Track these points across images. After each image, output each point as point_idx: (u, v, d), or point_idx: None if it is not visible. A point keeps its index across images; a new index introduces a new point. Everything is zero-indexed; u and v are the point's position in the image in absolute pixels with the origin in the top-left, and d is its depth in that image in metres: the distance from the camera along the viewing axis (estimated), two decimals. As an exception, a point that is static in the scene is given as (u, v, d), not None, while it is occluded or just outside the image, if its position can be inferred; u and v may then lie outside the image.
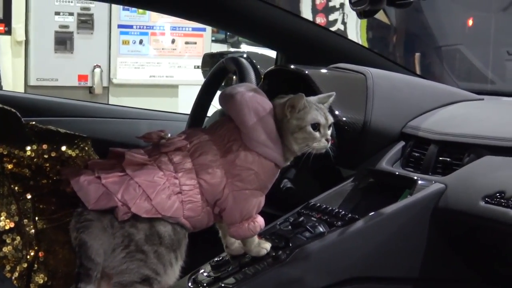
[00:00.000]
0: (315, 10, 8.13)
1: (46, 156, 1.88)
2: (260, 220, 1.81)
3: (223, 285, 1.87)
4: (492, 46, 6.51)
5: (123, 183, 1.69)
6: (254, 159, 1.77)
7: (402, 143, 2.23)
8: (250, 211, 1.79)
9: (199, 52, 7.48)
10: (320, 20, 8.25)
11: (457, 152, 2.03)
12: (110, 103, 6.97)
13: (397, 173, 2.12)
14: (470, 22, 6.79)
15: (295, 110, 1.78)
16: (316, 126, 1.76)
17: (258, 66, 2.40)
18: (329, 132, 1.80)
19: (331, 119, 1.81)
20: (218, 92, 2.56)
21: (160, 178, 1.72)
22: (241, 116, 1.78)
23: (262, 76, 2.39)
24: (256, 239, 1.86)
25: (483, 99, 2.41)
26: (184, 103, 6.80)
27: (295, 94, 2.28)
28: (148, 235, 1.69)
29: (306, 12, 8.35)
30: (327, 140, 1.79)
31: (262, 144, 1.77)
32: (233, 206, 1.78)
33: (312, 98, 1.85)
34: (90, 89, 7.28)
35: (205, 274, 1.96)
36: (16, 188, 1.81)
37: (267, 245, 1.88)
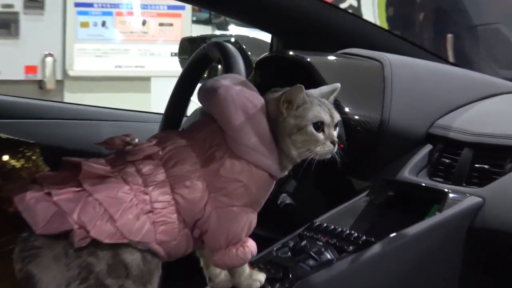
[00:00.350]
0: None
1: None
2: (252, 245, 1.79)
3: None
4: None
5: (80, 200, 1.67)
6: (243, 168, 1.75)
7: (428, 147, 2.21)
8: (238, 234, 1.77)
9: (176, 36, 7.46)
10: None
11: (497, 157, 2.02)
12: (65, 100, 6.96)
13: (423, 184, 2.10)
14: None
15: (293, 106, 1.76)
16: (319, 126, 1.75)
17: (249, 53, 2.39)
18: (335, 132, 1.79)
19: (337, 117, 1.80)
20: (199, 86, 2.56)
21: (126, 193, 1.70)
22: (226, 115, 1.77)
23: (254, 66, 2.39)
24: (247, 269, 1.84)
25: None
26: (158, 100, 6.80)
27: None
28: (112, 266, 1.67)
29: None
30: (333, 142, 1.77)
31: (253, 149, 1.75)
32: (217, 228, 1.76)
33: (313, 91, 1.84)
34: (40, 84, 7.29)
35: None
36: None
37: (261, 277, 1.86)
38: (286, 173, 1.85)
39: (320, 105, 1.78)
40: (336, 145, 1.78)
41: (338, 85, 1.87)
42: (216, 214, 1.75)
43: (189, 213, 1.74)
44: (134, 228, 1.68)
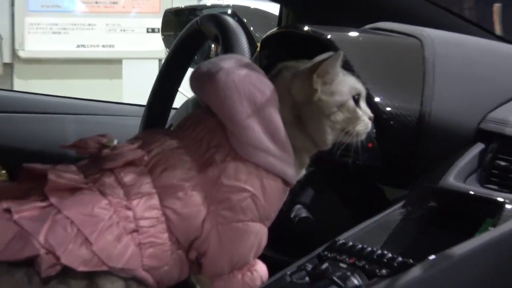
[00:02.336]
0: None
1: None
2: (261, 269, 1.83)
3: None
4: None
5: (47, 219, 1.67)
6: (250, 174, 1.75)
7: (480, 146, 2.23)
8: (245, 256, 1.79)
9: (153, 7, 7.49)
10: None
11: None
12: (15, 89, 6.99)
13: (472, 192, 2.10)
14: None
15: (327, 79, 1.78)
16: (356, 99, 1.79)
17: (251, 28, 2.41)
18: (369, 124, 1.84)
19: (364, 88, 1.85)
20: (190, 71, 2.55)
21: (104, 209, 1.71)
22: (229, 107, 1.77)
23: (259, 44, 2.40)
24: None
25: None
26: (132, 88, 6.82)
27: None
28: None
29: None
30: (369, 117, 1.83)
31: (262, 149, 1.75)
32: (218, 249, 1.77)
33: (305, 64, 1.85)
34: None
35: None
36: None
37: None
38: (303, 173, 1.86)
39: (348, 74, 1.83)
40: (372, 120, 1.84)
41: (341, 52, 1.84)
42: (217, 232, 1.76)
43: (183, 231, 1.75)
44: (115, 252, 1.69)
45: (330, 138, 1.80)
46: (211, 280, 1.82)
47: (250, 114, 1.75)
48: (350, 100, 1.77)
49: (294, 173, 1.81)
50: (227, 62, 1.85)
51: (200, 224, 1.75)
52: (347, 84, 1.78)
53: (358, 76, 2.19)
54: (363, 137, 1.82)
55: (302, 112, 1.78)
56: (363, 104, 1.81)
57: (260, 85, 1.80)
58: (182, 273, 1.79)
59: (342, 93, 1.77)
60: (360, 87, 1.81)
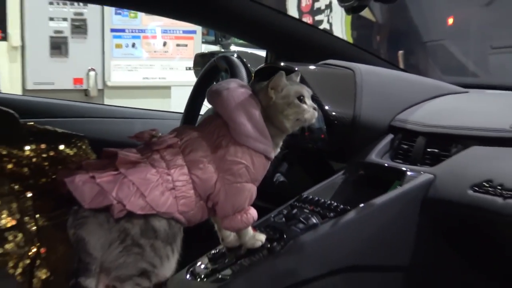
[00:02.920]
0: (300, 12, 8.15)
1: (44, 155, 1.88)
2: (253, 212, 1.80)
3: (220, 276, 1.87)
4: (476, 40, 6.56)
5: (117, 181, 1.67)
6: (243, 153, 1.75)
7: (390, 136, 2.22)
8: (242, 204, 1.78)
9: (190, 54, 7.44)
10: (307, 20, 8.20)
11: (444, 143, 2.03)
12: (105, 102, 7.00)
13: (386, 165, 2.11)
14: (454, 18, 6.86)
15: (278, 89, 1.77)
16: (301, 99, 1.77)
17: (248, 65, 2.38)
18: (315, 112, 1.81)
19: (310, 90, 1.83)
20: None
21: (153, 175, 1.70)
22: (229, 112, 1.77)
23: (253, 74, 2.38)
24: (250, 231, 1.84)
25: (468, 92, 2.41)
26: (177, 104, 6.81)
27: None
28: (144, 230, 1.68)
29: (292, 14, 8.30)
30: (314, 108, 1.80)
31: (251, 137, 1.75)
32: (225, 200, 1.76)
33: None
34: (86, 92, 7.28)
35: (202, 266, 1.95)
36: (16, 187, 1.80)
37: (262, 237, 1.86)
38: (278, 150, 1.84)
39: (296, 84, 1.81)
40: (317, 111, 1.81)
41: (299, 71, 1.90)
42: (224, 189, 1.75)
43: (203, 189, 1.74)
44: (160, 202, 1.69)
45: (288, 126, 1.79)
46: (221, 219, 1.80)
47: (243, 115, 1.76)
48: (295, 100, 1.77)
49: (272, 151, 1.80)
50: (230, 84, 1.85)
51: (213, 185, 1.74)
52: (292, 90, 1.78)
53: (314, 93, 2.21)
54: (312, 121, 1.81)
55: (268, 112, 1.79)
56: (308, 101, 1.79)
57: (248, 98, 1.79)
58: (203, 215, 1.79)
59: (289, 96, 1.77)
60: (302, 91, 1.80)
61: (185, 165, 1.73)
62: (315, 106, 1.80)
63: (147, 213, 1.67)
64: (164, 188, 1.70)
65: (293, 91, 1.78)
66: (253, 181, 1.79)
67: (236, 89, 1.81)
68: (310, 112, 1.78)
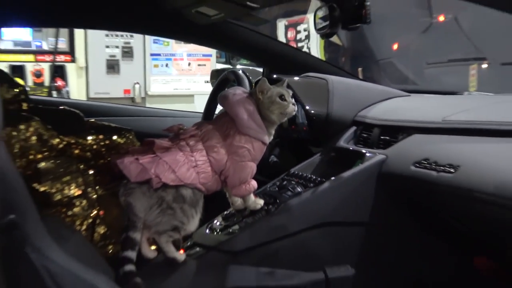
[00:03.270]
0: (287, 40, 8.15)
1: (102, 143, 1.89)
2: (254, 183, 1.80)
3: (230, 230, 1.88)
4: (415, 58, 6.60)
5: (155, 161, 1.68)
6: (246, 140, 1.75)
7: (354, 128, 2.21)
8: (245, 177, 1.77)
9: (207, 71, 7.48)
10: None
11: (393, 132, 2.01)
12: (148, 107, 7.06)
13: (351, 148, 2.10)
14: (398, 42, 6.91)
15: (264, 92, 1.76)
16: (282, 97, 1.76)
17: (250, 77, 2.37)
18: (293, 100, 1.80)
19: (290, 91, 1.81)
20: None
21: (181, 157, 1.70)
22: (234, 110, 1.77)
23: (253, 84, 2.37)
24: (252, 197, 1.84)
25: (410, 95, 2.40)
26: (198, 107, 6.85)
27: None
28: (175, 197, 1.68)
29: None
30: (293, 104, 1.78)
31: (251, 128, 1.75)
32: (233, 174, 1.76)
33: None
34: (132, 99, 7.30)
35: (217, 223, 1.95)
36: (81, 166, 1.81)
37: (261, 201, 1.86)
38: (272, 138, 1.83)
39: (278, 86, 1.79)
40: (296, 106, 1.81)
41: (286, 79, 1.87)
42: (232, 167, 1.75)
43: (217, 167, 1.73)
44: (186, 176, 1.68)
45: (274, 118, 1.79)
46: (231, 189, 1.81)
47: (244, 113, 1.76)
48: (277, 98, 1.77)
49: (267, 138, 1.80)
50: (235, 90, 1.85)
51: (225, 163, 1.74)
52: (274, 92, 1.78)
53: (297, 96, 2.21)
54: (292, 114, 1.81)
55: (259, 109, 1.78)
56: (288, 98, 1.78)
57: (247, 99, 1.79)
58: (218, 186, 1.78)
59: (272, 96, 1.77)
60: (283, 91, 1.79)
61: (204, 149, 1.73)
62: (294, 102, 1.79)
63: (177, 184, 1.67)
64: (189, 166, 1.69)
65: (275, 92, 1.76)
66: (253, 160, 1.78)
67: (238, 93, 1.81)
68: (290, 107, 1.77)
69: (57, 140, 1.78)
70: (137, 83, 7.42)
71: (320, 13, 2.22)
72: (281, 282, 1.81)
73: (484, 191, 1.51)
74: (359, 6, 2.06)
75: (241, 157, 1.76)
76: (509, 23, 1.46)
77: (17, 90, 1.79)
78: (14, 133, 1.68)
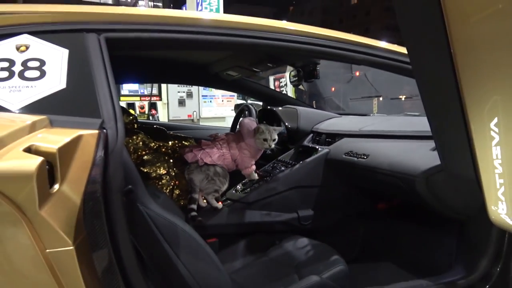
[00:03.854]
0: (275, 88, 8.08)
1: (177, 145, 1.86)
2: (253, 167, 1.75)
3: (246, 191, 1.83)
4: (344, 96, 6.57)
5: (201, 151, 1.65)
6: (248, 146, 1.69)
7: (311, 134, 2.15)
8: (247, 165, 1.72)
9: (232, 104, 7.41)
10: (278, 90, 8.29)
11: (333, 136, 1.99)
12: (200, 124, 6.95)
13: (310, 145, 2.04)
14: (335, 87, 6.88)
15: (259, 132, 1.67)
16: (265, 139, 1.66)
17: (255, 108, 2.33)
18: (273, 142, 1.69)
19: (274, 136, 1.69)
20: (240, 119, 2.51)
21: (214, 149, 1.66)
22: (244, 131, 1.71)
23: (257, 111, 2.33)
24: (254, 174, 1.78)
25: (341, 116, 2.32)
26: (227, 124, 6.81)
27: (271, 118, 2.25)
28: (214, 172, 1.65)
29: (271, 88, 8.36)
30: (269, 145, 1.68)
31: (251, 143, 1.69)
32: (241, 162, 1.71)
33: (269, 126, 1.71)
34: (192, 120, 7.22)
35: (239, 187, 1.90)
36: (166, 157, 1.79)
37: (256, 176, 1.81)
38: (267, 148, 1.71)
39: (268, 132, 1.68)
40: (272, 144, 1.69)
41: (283, 128, 1.80)
42: (241, 157, 1.69)
43: (233, 157, 1.68)
44: (217, 160, 1.64)
45: (259, 145, 1.68)
46: (241, 170, 1.75)
47: (248, 133, 1.70)
48: (262, 138, 1.67)
49: (261, 147, 1.71)
50: (246, 120, 1.77)
51: (237, 155, 1.69)
52: (263, 135, 1.67)
53: (281, 118, 2.16)
54: (270, 147, 1.69)
55: (255, 137, 1.69)
56: (268, 141, 1.67)
57: (252, 126, 1.72)
58: (233, 167, 1.72)
59: (261, 136, 1.67)
60: (266, 136, 1.67)
61: (228, 147, 1.68)
62: (271, 144, 1.68)
63: (213, 164, 1.64)
64: (219, 154, 1.66)
65: (263, 136, 1.66)
66: (252, 157, 1.72)
67: (249, 122, 1.74)
68: (266, 145, 1.67)
69: (153, 143, 1.76)
70: (195, 111, 7.28)
71: (292, 73, 2.20)
72: (274, 218, 1.80)
73: (382, 168, 1.51)
74: (313, 69, 2.04)
75: (245, 153, 1.71)
76: (394, 76, 1.45)
77: (131, 117, 1.79)
78: (130, 140, 1.68)
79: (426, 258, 1.59)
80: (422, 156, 1.37)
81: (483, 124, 0.85)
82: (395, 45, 1.41)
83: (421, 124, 1.71)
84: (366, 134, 1.82)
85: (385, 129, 1.77)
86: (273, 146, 1.68)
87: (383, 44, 1.37)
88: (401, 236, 1.77)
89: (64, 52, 0.94)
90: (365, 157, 1.62)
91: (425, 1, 0.80)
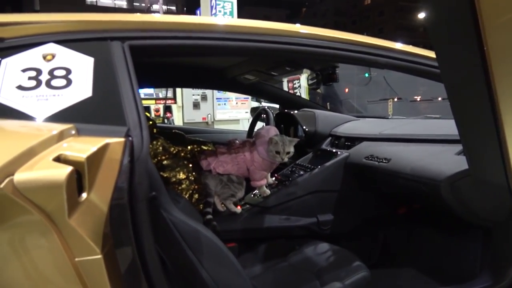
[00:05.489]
0: (288, 90, 8.06)
1: (196, 150, 1.86)
2: (262, 181, 1.71)
3: (257, 196, 1.81)
4: (361, 98, 6.52)
5: (214, 160, 1.64)
6: (260, 158, 1.65)
7: (330, 138, 2.12)
8: (255, 177, 1.68)
9: (247, 107, 7.40)
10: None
11: (352, 140, 1.96)
12: (214, 127, 6.95)
13: (328, 149, 2.01)
14: (350, 89, 6.85)
15: (272, 144, 1.62)
16: (278, 151, 1.61)
17: (272, 111, 2.32)
18: (285, 156, 1.62)
19: (288, 149, 1.63)
20: (258, 124, 2.48)
21: (228, 158, 1.65)
22: (257, 142, 1.67)
23: (274, 115, 2.32)
24: (264, 188, 1.75)
25: (359, 119, 2.29)
26: (241, 127, 6.80)
27: (288, 122, 2.23)
28: (228, 179, 1.65)
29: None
30: (281, 158, 1.62)
31: (263, 155, 1.65)
32: (251, 174, 1.67)
33: (285, 138, 1.65)
34: (207, 123, 7.24)
35: (251, 196, 1.85)
36: (185, 162, 1.78)
37: (268, 191, 1.77)
38: (279, 161, 1.66)
39: (281, 144, 1.62)
40: (285, 158, 1.63)
41: (298, 139, 1.68)
42: (252, 170, 1.67)
43: (247, 165, 1.66)
44: (230, 169, 1.63)
45: (271, 158, 1.62)
46: (251, 181, 1.71)
47: (261, 147, 1.65)
48: (274, 151, 1.61)
49: (274, 160, 1.66)
50: (263, 131, 1.72)
51: (251, 164, 1.66)
52: (275, 147, 1.61)
53: (299, 122, 2.15)
54: (281, 161, 1.63)
55: (268, 148, 1.63)
56: (280, 154, 1.61)
57: (264, 142, 1.66)
58: (245, 174, 1.69)
59: (278, 147, 1.60)
60: (279, 149, 1.61)
61: (242, 154, 1.66)
62: (283, 157, 1.62)
63: (226, 173, 1.64)
64: (232, 164, 1.65)
65: (275, 148, 1.61)
66: (263, 169, 1.68)
67: (264, 134, 1.69)
68: (278, 158, 1.62)
69: (172, 148, 1.76)
70: (209, 114, 7.30)
71: (311, 77, 2.18)
72: (293, 223, 1.78)
73: (404, 172, 1.48)
74: (332, 73, 2.02)
75: (255, 166, 1.66)
76: (413, 78, 1.42)
77: (151, 122, 1.79)
78: (150, 146, 1.68)
79: (449, 265, 1.55)
80: (447, 160, 1.34)
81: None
82: (411, 46, 1.38)
83: (444, 127, 1.67)
84: (387, 138, 1.79)
85: (407, 133, 1.74)
86: (286, 160, 1.62)
87: (407, 47, 1.35)
88: (423, 242, 1.73)
89: (90, 61, 0.95)
90: (386, 161, 1.59)
91: (457, 1, 0.77)
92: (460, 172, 1.22)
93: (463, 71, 0.85)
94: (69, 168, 0.69)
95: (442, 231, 1.66)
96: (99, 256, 0.73)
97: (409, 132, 1.74)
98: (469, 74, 0.83)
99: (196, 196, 1.74)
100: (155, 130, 1.79)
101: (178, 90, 7.29)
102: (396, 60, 1.28)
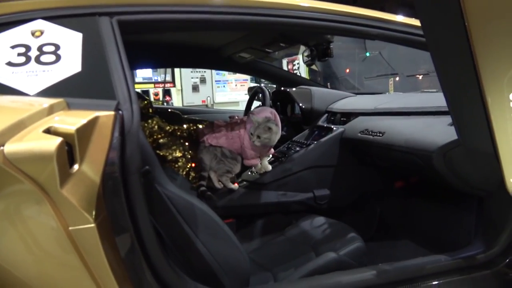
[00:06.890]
0: (287, 70, 7.99)
1: (192, 128, 1.87)
2: (252, 161, 1.70)
3: (254, 173, 1.82)
4: (358, 75, 6.46)
5: (210, 132, 1.66)
6: (247, 137, 1.65)
7: (326, 114, 2.12)
8: (246, 156, 1.67)
9: (246, 88, 7.36)
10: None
11: (348, 116, 1.95)
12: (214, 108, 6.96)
13: (325, 125, 2.01)
14: (349, 67, 6.78)
15: (257, 129, 1.61)
16: (251, 133, 1.62)
17: (269, 90, 2.31)
18: (255, 139, 1.61)
19: (257, 132, 1.60)
20: (254, 103, 2.47)
21: (223, 132, 1.66)
22: (247, 121, 1.68)
23: (271, 93, 2.31)
24: (259, 165, 1.74)
25: (356, 96, 2.27)
26: (241, 108, 6.78)
27: (285, 100, 2.22)
28: (221, 153, 1.65)
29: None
30: (253, 140, 1.62)
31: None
32: (242, 151, 1.67)
33: (267, 123, 1.62)
34: (206, 105, 7.21)
35: (249, 173, 1.86)
36: (181, 141, 1.79)
37: (269, 167, 1.77)
38: (257, 144, 1.64)
39: (256, 125, 1.61)
40: (255, 140, 1.61)
41: (275, 130, 1.64)
42: (244, 146, 1.66)
43: (241, 142, 1.67)
44: (222, 142, 1.64)
45: (256, 141, 1.61)
46: (244, 157, 1.71)
47: (248, 122, 1.67)
48: (262, 137, 1.60)
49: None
50: (257, 109, 1.74)
51: (244, 141, 1.66)
52: (253, 126, 1.60)
53: (295, 98, 2.15)
54: (260, 143, 1.62)
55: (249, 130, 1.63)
56: (253, 130, 1.60)
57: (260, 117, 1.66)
58: (238, 151, 1.68)
59: (261, 138, 1.61)
60: (254, 126, 1.60)
61: (236, 131, 1.66)
62: (253, 131, 1.61)
63: (219, 146, 1.64)
64: (226, 137, 1.65)
65: (262, 136, 1.60)
66: (252, 149, 1.67)
67: (256, 117, 1.66)
68: (252, 136, 1.61)
69: (168, 127, 1.77)
70: (209, 96, 7.25)
71: (305, 53, 2.16)
72: (290, 198, 1.80)
73: (398, 145, 1.49)
74: (326, 48, 2.00)
75: (245, 145, 1.66)
76: (410, 52, 1.41)
77: (146, 102, 1.79)
78: (146, 124, 1.69)
79: (444, 235, 1.57)
80: (439, 131, 1.35)
81: (501, 96, 0.82)
82: (413, 19, 1.37)
83: (438, 100, 1.66)
84: (381, 112, 1.79)
85: (401, 106, 1.74)
86: (257, 143, 1.61)
87: (399, 18, 1.34)
88: (419, 214, 1.76)
89: (78, 36, 0.95)
90: (380, 135, 1.59)
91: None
92: (452, 142, 1.23)
93: (446, 38, 0.85)
94: (58, 139, 0.71)
95: (437, 203, 1.68)
96: (93, 225, 0.75)
97: (404, 105, 1.74)
98: (452, 41, 0.83)
99: (193, 174, 1.76)
100: (150, 110, 1.79)
101: (177, 73, 7.25)
102: (386, 31, 1.27)
